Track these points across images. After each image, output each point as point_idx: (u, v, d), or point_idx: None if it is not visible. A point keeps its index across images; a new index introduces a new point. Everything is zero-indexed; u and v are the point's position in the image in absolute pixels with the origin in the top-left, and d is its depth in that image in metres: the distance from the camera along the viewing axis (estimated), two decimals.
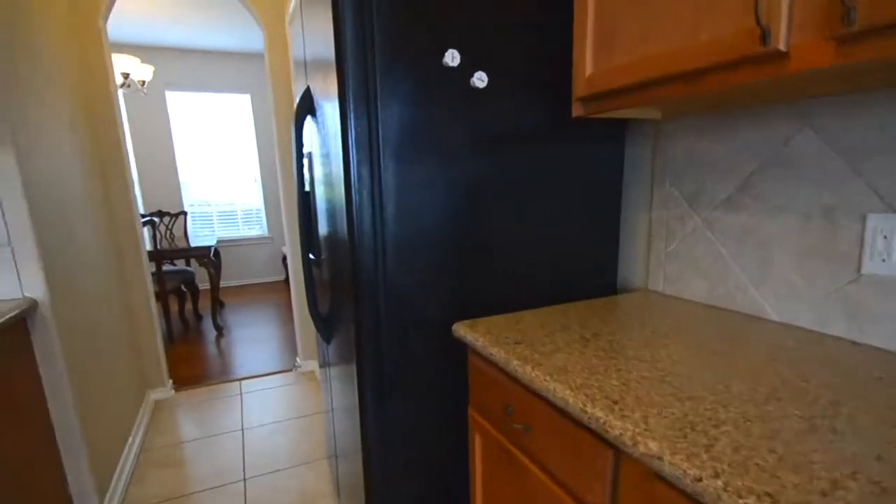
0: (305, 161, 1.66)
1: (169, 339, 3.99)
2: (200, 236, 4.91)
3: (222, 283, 5.96)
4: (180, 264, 4.74)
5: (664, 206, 1.28)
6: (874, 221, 0.86)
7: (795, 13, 0.66)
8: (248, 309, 4.92)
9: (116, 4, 3.98)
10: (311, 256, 1.55)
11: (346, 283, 1.16)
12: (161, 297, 3.72)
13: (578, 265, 1.34)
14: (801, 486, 0.50)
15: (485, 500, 1.09)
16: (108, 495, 1.86)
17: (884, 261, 0.85)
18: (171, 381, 2.98)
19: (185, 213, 4.90)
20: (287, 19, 2.50)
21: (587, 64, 1.00)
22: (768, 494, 0.48)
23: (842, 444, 0.57)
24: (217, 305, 4.20)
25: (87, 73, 2.53)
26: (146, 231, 3.96)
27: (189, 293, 4.48)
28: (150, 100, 5.44)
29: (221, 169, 5.93)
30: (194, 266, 5.66)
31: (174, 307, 4.94)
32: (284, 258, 5.88)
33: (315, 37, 1.23)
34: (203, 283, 5.68)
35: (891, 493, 0.48)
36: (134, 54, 5.28)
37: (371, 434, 1.15)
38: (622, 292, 1.47)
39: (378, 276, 1.08)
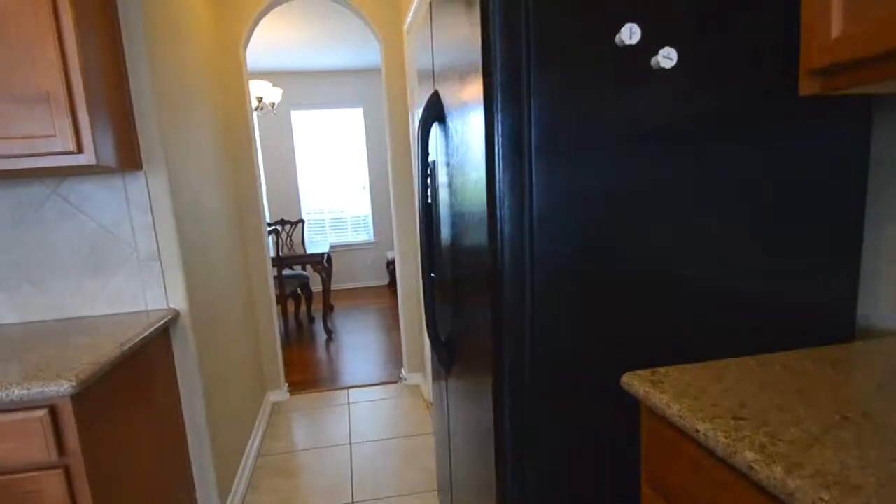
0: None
1: (285, 341, 4.23)
2: (314, 242, 5.17)
3: (331, 287, 6.26)
4: (296, 269, 5.02)
5: None
6: None
7: None
8: (354, 313, 5.08)
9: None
10: (431, 275, 1.48)
11: (481, 311, 1.05)
12: (280, 300, 3.95)
13: (796, 298, 1.03)
14: None
15: None
16: (228, 502, 1.95)
17: None
18: (286, 384, 3.11)
19: (302, 221, 5.20)
20: (405, 29, 2.49)
21: (832, 21, 0.72)
22: None
23: None
24: (328, 309, 4.38)
25: (228, 96, 2.73)
26: (270, 239, 4.24)
27: (303, 296, 4.73)
28: (278, 119, 5.90)
29: (334, 179, 6.24)
30: (308, 271, 5.99)
31: (290, 309, 5.26)
32: (388, 263, 6.03)
33: (447, 38, 1.15)
34: (314, 287, 6.01)
35: None
36: (264, 79, 5.75)
37: (509, 477, 1.02)
38: (863, 336, 1.11)
39: (525, 308, 0.94)
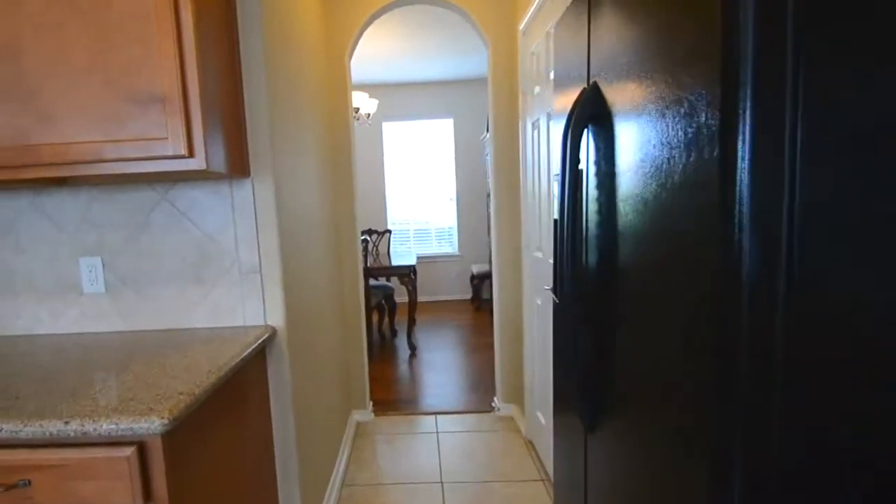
0: (554, 182, 1.35)
1: (368, 355, 4.13)
2: (398, 253, 5.09)
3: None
4: (381, 280, 4.95)
5: None
6: None
7: None
8: (437, 328, 4.91)
9: None
10: (564, 301, 1.21)
11: (681, 369, 0.77)
12: (366, 312, 3.86)
13: None
14: None
15: None
16: None
17: None
18: (371, 403, 2.97)
19: (389, 232, 5.14)
20: (519, 30, 2.27)
21: None
22: None
23: None
24: (413, 324, 4.23)
25: (332, 105, 2.66)
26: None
27: (387, 308, 4.63)
28: (370, 130, 5.95)
29: (420, 190, 6.17)
30: (392, 282, 5.93)
31: (373, 319, 5.20)
32: (473, 277, 5.82)
33: (628, 25, 0.89)
34: (397, 297, 5.93)
35: None
36: (360, 90, 5.83)
37: None
38: None
39: (772, 381, 0.64)
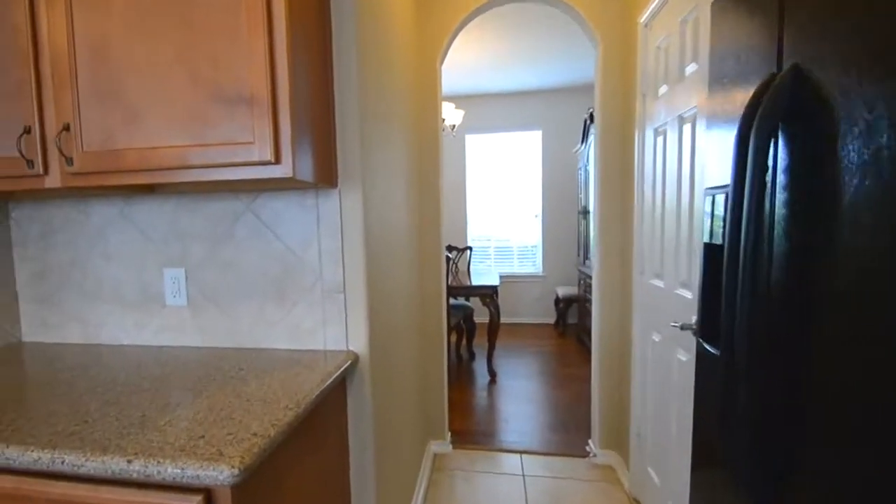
0: (709, 199, 1.08)
1: (447, 378, 3.94)
2: (478, 271, 4.88)
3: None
4: (460, 299, 4.77)
5: None
6: None
7: None
8: (518, 353, 4.63)
9: None
10: (709, 349, 0.94)
11: None
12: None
13: None
14: None
15: None
16: None
17: None
18: (449, 434, 2.76)
19: (469, 249, 4.96)
20: (640, 22, 2.01)
21: None
22: None
23: None
24: (493, 348, 3.99)
25: (421, 113, 2.54)
26: None
27: (466, 329, 4.43)
28: (452, 143, 5.85)
29: (503, 205, 5.95)
30: (472, 301, 5.74)
31: (451, 340, 5.02)
32: (558, 300, 5.48)
33: None
34: (477, 317, 5.72)
35: None
36: (444, 101, 5.75)
37: None
38: None
39: None
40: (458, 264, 5.21)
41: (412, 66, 2.33)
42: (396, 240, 1.84)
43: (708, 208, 1.12)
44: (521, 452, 2.65)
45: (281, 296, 1.42)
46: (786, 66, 0.80)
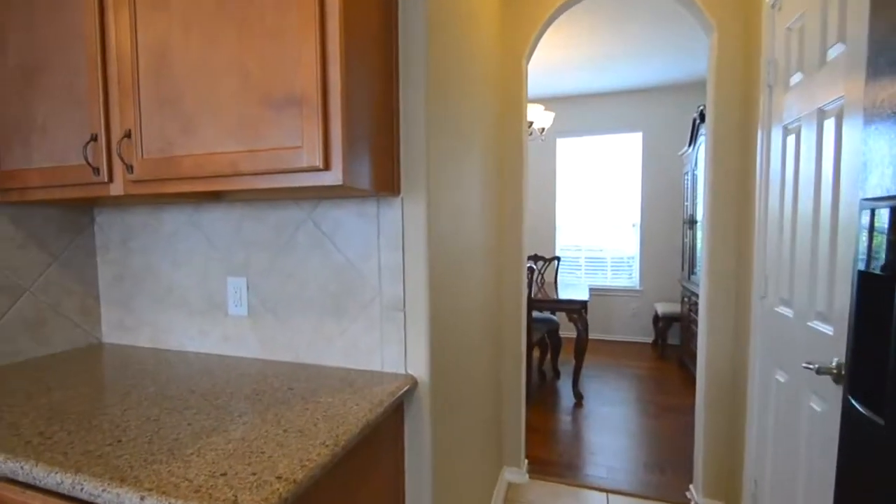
0: (866, 214, 0.80)
1: (526, 397, 3.71)
2: (566, 284, 4.58)
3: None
4: (545, 312, 4.50)
5: None
6: None
7: None
8: (609, 374, 4.26)
9: None
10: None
11: None
12: (526, 349, 3.46)
13: None
14: None
15: None
16: None
17: None
18: (525, 462, 2.55)
19: (557, 259, 4.68)
20: (766, 2, 1.68)
21: None
22: None
23: None
24: (580, 368, 3.69)
25: (503, 114, 2.37)
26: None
27: (550, 345, 4.16)
28: (542, 147, 5.58)
29: (596, 213, 5.57)
30: (558, 315, 5.44)
31: (532, 356, 4.76)
32: (657, 318, 4.99)
33: None
34: (563, 332, 5.39)
35: None
36: (533, 103, 5.51)
37: None
38: None
39: None
40: (545, 275, 4.94)
41: (495, 63, 2.17)
42: (469, 251, 1.69)
43: (866, 223, 0.83)
44: (608, 491, 2.36)
45: (338, 311, 1.33)
46: None
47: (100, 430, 0.94)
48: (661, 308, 4.79)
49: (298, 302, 1.36)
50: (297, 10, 0.95)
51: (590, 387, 3.94)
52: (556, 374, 4.22)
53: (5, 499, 0.86)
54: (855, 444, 0.90)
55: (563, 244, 5.70)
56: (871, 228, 0.85)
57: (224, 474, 0.79)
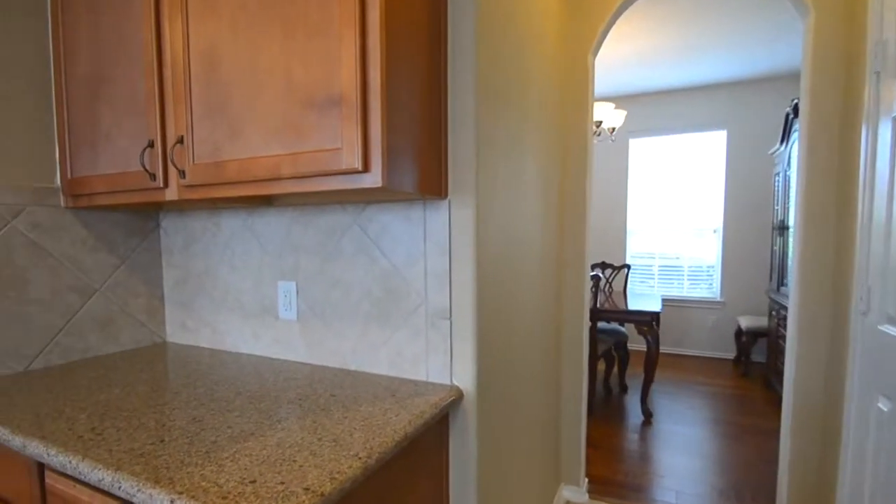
0: None
1: (589, 411, 3.53)
2: (637, 294, 4.32)
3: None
4: (613, 323, 4.27)
5: None
6: None
7: None
8: (683, 391, 3.95)
9: None
10: None
11: None
12: (589, 360, 3.28)
13: None
14: None
15: None
16: None
17: None
18: (585, 480, 2.40)
19: (627, 267, 4.43)
20: None
21: None
22: None
23: None
24: (650, 383, 3.45)
25: (566, 113, 2.25)
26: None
27: (618, 357, 3.93)
28: (612, 148, 5.33)
29: (672, 218, 5.22)
30: (627, 327, 5.15)
31: (598, 369, 4.54)
32: (740, 332, 4.59)
33: None
34: (632, 344, 5.09)
35: None
36: (602, 102, 5.27)
37: None
38: None
39: None
40: (613, 284, 4.70)
41: (556, 58, 2.07)
42: (522, 256, 1.61)
43: None
44: None
45: (384, 318, 1.30)
46: None
47: (146, 428, 0.96)
48: (745, 322, 4.39)
49: (344, 307, 1.35)
50: (338, 5, 0.93)
51: (660, 403, 3.68)
52: (623, 389, 3.98)
53: (56, 490, 0.90)
54: None
55: (635, 251, 5.40)
56: None
57: (253, 482, 0.77)
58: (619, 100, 5.28)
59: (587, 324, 2.36)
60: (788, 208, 3.63)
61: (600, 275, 3.44)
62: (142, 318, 1.59)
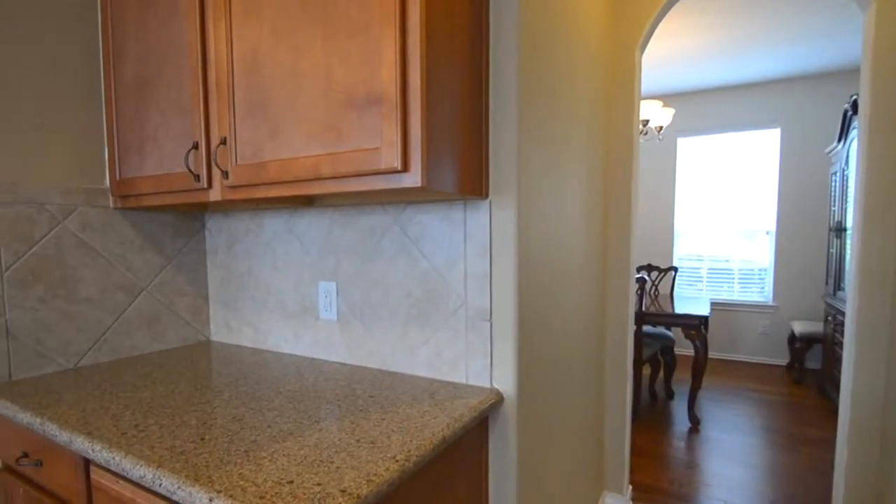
0: None
1: (633, 416, 3.41)
2: (684, 297, 4.15)
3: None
4: (659, 326, 4.12)
5: None
6: None
7: None
8: (732, 398, 3.77)
9: None
10: None
11: None
12: (634, 365, 3.17)
13: None
14: None
15: None
16: None
17: None
18: (630, 488, 2.31)
19: (674, 269, 4.26)
20: None
21: None
22: None
23: None
24: (697, 389, 3.31)
25: (611, 112, 2.18)
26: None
27: (664, 362, 3.79)
28: (659, 147, 5.15)
29: (722, 220, 4.98)
30: (674, 331, 4.96)
31: (643, 374, 4.38)
32: (793, 338, 4.33)
33: None
34: (678, 349, 4.91)
35: None
36: (649, 100, 5.10)
37: None
38: None
39: None
40: (659, 287, 4.53)
41: (601, 54, 2.00)
42: (565, 258, 1.56)
43: None
44: None
45: (423, 319, 1.28)
46: None
47: (188, 426, 0.98)
48: (799, 327, 4.14)
49: (383, 308, 1.34)
50: (378, 5, 0.91)
51: (708, 410, 3.51)
52: (670, 395, 3.83)
53: (101, 486, 0.93)
54: None
55: (683, 253, 5.19)
56: None
57: (291, 482, 0.77)
58: (667, 97, 5.09)
59: (632, 327, 2.28)
60: (846, 209, 3.40)
61: (646, 277, 3.32)
62: (187, 317, 1.63)
